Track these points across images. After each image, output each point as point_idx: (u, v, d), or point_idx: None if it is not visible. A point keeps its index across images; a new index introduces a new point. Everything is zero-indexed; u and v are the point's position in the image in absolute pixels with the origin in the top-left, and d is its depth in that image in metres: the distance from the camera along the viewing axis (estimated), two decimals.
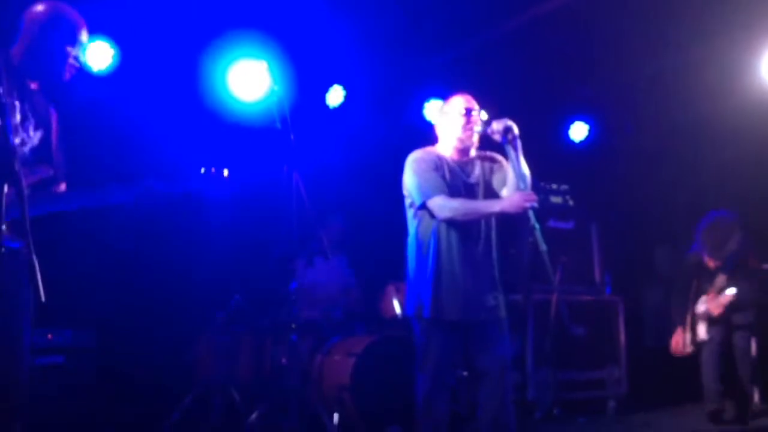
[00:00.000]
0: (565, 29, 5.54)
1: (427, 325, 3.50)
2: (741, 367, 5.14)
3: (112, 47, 5.06)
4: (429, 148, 3.70)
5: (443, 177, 3.54)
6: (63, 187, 2.85)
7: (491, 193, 3.63)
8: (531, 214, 3.28)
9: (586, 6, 5.19)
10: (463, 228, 3.52)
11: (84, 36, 2.87)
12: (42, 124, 2.78)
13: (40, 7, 2.80)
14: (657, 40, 5.63)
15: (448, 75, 6.13)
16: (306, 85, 5.54)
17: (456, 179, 3.58)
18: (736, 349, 5.16)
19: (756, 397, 5.38)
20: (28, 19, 2.79)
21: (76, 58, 2.83)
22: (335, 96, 6.06)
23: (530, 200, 3.30)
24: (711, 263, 5.20)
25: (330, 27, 5.39)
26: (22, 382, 2.62)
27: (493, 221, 3.62)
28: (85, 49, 2.88)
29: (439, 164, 3.58)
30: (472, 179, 3.62)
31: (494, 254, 3.60)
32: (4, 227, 2.18)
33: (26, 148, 2.71)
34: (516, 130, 3.43)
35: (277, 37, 5.21)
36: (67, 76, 2.82)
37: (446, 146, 3.67)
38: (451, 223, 3.50)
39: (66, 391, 4.39)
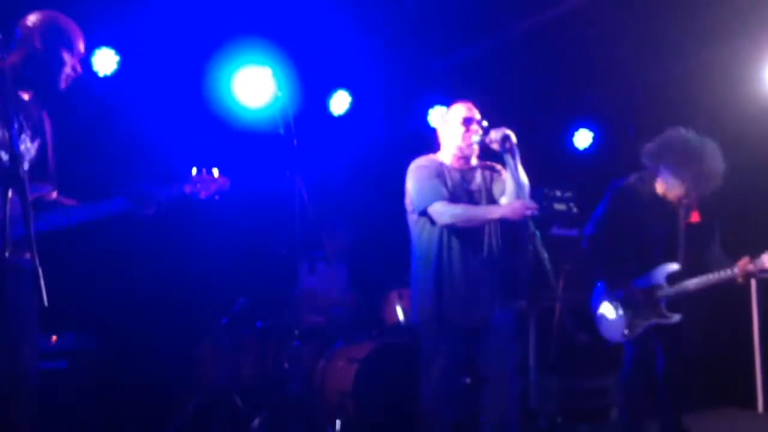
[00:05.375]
0: (570, 37, 5.55)
1: (433, 333, 3.51)
2: None
3: (116, 54, 5.08)
4: (431, 156, 3.72)
5: (445, 184, 3.55)
6: (55, 194, 2.86)
7: (492, 202, 3.64)
8: (531, 222, 3.29)
9: (590, 13, 5.20)
10: (466, 235, 3.52)
11: (81, 45, 2.84)
12: (38, 134, 2.78)
13: (37, 16, 2.77)
14: (661, 48, 5.63)
15: (453, 81, 6.14)
16: (310, 91, 5.56)
17: (457, 187, 3.59)
18: None
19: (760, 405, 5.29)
20: (24, 27, 2.74)
21: (74, 68, 2.81)
22: (340, 102, 6.08)
23: (530, 208, 3.31)
24: None
25: (335, 34, 5.41)
26: (25, 394, 2.63)
27: (497, 229, 3.63)
28: (82, 59, 2.85)
29: (440, 171, 3.59)
30: (474, 186, 3.63)
31: (499, 261, 3.61)
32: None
33: (25, 161, 2.70)
34: (514, 138, 3.44)
35: (282, 44, 5.23)
36: (63, 85, 2.80)
37: (447, 154, 3.69)
38: (453, 230, 3.51)
39: (69, 396, 4.40)
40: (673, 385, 4.07)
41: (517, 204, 3.37)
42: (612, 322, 4.16)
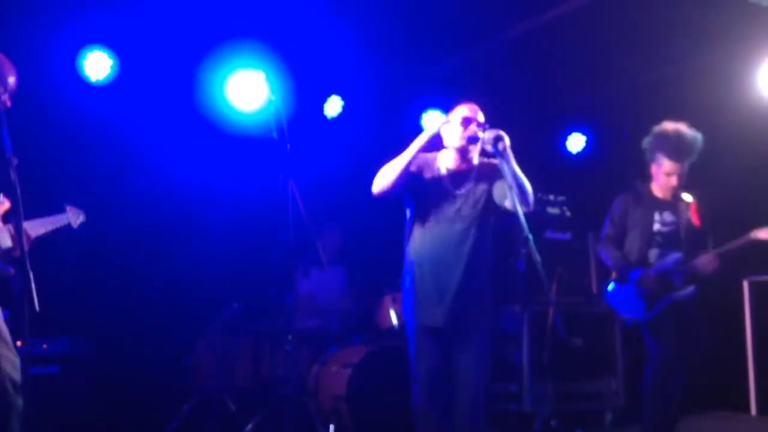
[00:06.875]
0: (563, 40, 5.56)
1: (415, 329, 3.56)
2: None
3: (110, 57, 5.08)
4: (434, 153, 3.72)
5: (419, 176, 3.60)
6: None
7: (480, 207, 3.60)
8: (525, 225, 3.26)
9: (583, 17, 5.21)
10: (442, 234, 3.53)
11: (10, 77, 2.95)
12: None
13: None
14: (655, 51, 5.65)
15: (446, 85, 6.14)
16: (304, 95, 5.56)
17: (439, 186, 3.59)
18: None
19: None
20: None
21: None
22: (333, 106, 6.08)
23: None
24: None
25: (328, 38, 5.41)
26: None
27: (475, 230, 3.59)
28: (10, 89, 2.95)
29: (425, 167, 3.60)
30: (460, 191, 3.60)
31: (479, 262, 3.59)
32: None
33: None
34: (507, 140, 3.42)
35: (275, 48, 5.23)
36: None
37: (447, 154, 3.69)
38: (429, 231, 3.56)
39: (62, 401, 4.38)
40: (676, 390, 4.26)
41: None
42: (631, 300, 4.41)
